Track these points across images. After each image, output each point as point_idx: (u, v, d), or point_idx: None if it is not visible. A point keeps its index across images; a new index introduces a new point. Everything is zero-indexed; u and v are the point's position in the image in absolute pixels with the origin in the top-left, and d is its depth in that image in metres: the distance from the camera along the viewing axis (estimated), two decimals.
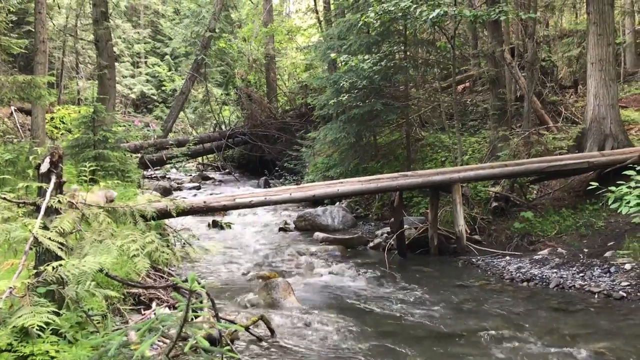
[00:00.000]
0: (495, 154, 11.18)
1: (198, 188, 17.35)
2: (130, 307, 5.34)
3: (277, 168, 18.14)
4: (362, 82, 11.46)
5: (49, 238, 3.00)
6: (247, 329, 5.26)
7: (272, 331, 5.42)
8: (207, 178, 19.98)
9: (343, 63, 11.33)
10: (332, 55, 11.12)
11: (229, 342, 3.77)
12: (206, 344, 2.32)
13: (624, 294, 6.32)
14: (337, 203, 12.93)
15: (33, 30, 12.59)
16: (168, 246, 7.30)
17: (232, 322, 5.43)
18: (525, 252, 8.34)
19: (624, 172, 6.95)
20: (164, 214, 5.57)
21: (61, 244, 3.10)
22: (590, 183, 7.40)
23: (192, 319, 5.33)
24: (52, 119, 18.73)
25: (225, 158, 21.75)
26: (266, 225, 11.93)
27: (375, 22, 9.73)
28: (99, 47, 16.41)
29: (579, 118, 12.89)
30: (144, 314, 5.27)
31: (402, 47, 12.10)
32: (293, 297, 6.51)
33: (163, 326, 2.52)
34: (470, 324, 5.76)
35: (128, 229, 3.73)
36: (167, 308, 5.36)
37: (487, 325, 5.70)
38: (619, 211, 6.39)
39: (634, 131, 12.47)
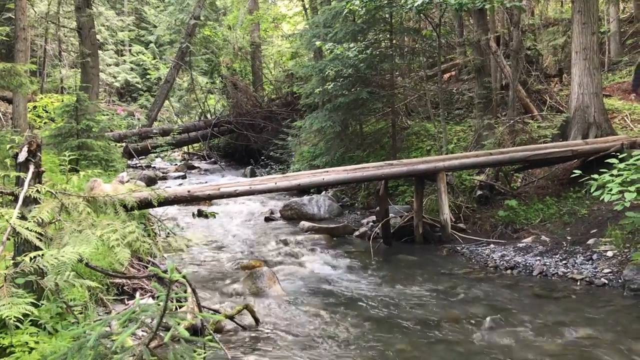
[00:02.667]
0: (480, 142, 11.22)
1: (183, 177, 17.25)
2: (114, 297, 5.31)
3: (262, 157, 18.06)
4: (347, 71, 11.40)
5: (27, 228, 2.95)
6: (231, 318, 5.25)
7: (257, 320, 5.42)
8: (193, 167, 19.87)
9: (328, 51, 11.25)
10: (317, 43, 11.01)
11: (211, 332, 3.75)
12: (186, 334, 2.30)
13: (606, 281, 6.39)
14: (323, 192, 12.92)
15: (13, 17, 12.32)
16: (149, 236, 7.26)
17: (216, 311, 5.43)
18: (509, 240, 8.39)
19: (606, 160, 7.02)
20: (146, 203, 5.51)
21: (40, 234, 3.05)
22: (573, 171, 7.45)
23: (176, 309, 5.30)
24: (34, 107, 18.40)
25: (211, 147, 21.61)
26: (252, 215, 11.88)
27: (360, 9, 9.66)
28: (81, 34, 16.13)
29: (564, 107, 12.97)
30: (128, 304, 5.24)
31: (388, 36, 12.04)
32: (278, 286, 6.51)
33: (144, 316, 2.49)
34: (454, 311, 5.80)
35: (109, 219, 3.68)
36: (150, 298, 5.33)
37: (470, 312, 5.75)
38: (601, 199, 6.44)
39: (617, 120, 12.56)
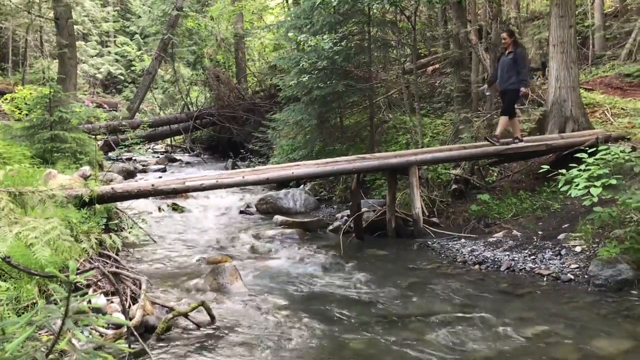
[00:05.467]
0: (458, 136, 11.13)
1: (164, 170, 17.04)
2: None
3: (243, 150, 17.88)
4: (322, 63, 11.22)
5: None
6: (185, 315, 5.13)
7: (212, 317, 5.29)
8: (174, 160, 19.66)
9: (303, 42, 11.07)
10: (290, 34, 10.85)
11: (135, 333, 3.62)
12: (83, 338, 2.17)
13: (572, 277, 6.31)
14: (301, 186, 12.79)
15: None
16: (115, 230, 7.11)
17: (170, 308, 5.30)
18: (481, 235, 8.30)
19: (575, 155, 6.94)
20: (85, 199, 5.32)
21: None
22: (542, 166, 7.37)
23: (129, 306, 5.13)
24: (12, 99, 18.12)
25: (193, 140, 21.40)
26: (228, 208, 11.74)
27: (333, 1, 9.49)
28: (58, 25, 15.88)
29: (545, 100, 12.90)
30: (79, 300, 5.10)
31: (365, 28, 11.86)
32: (240, 282, 6.39)
33: (49, 319, 2.36)
34: (416, 308, 5.71)
35: (46, 215, 3.54)
36: (102, 295, 5.21)
37: (432, 308, 5.65)
38: (568, 194, 6.36)
39: (598, 114, 12.51)
